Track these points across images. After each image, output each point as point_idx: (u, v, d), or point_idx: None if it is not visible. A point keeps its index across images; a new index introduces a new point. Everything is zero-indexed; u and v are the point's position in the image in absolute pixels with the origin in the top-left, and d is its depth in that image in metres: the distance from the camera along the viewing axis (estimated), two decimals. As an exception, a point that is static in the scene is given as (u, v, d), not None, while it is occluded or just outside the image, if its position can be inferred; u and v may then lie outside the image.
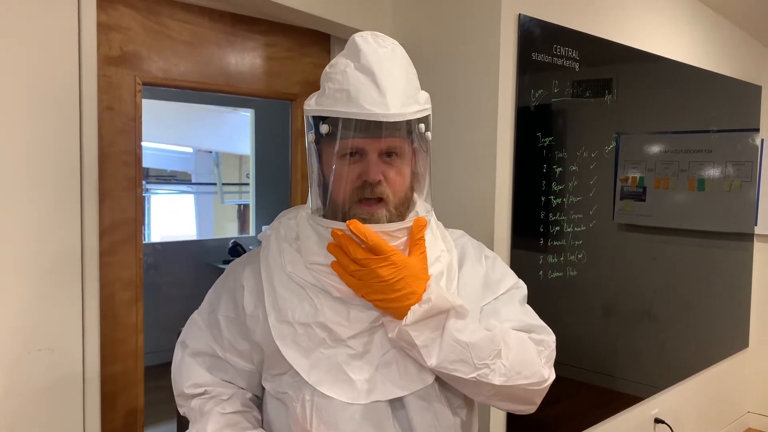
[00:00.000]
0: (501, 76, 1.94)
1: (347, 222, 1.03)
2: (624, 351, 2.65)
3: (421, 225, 1.10)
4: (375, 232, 1.04)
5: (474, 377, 1.07)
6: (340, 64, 1.09)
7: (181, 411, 1.28)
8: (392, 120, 1.04)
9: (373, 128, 1.05)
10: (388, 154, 1.09)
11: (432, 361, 1.06)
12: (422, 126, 1.12)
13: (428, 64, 2.11)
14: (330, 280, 1.11)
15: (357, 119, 1.04)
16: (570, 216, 2.25)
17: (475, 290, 1.22)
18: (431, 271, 1.14)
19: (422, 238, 1.11)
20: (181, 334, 1.30)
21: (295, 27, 2.08)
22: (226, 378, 1.25)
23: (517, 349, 1.12)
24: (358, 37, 1.10)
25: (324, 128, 1.08)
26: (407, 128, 1.10)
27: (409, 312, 1.04)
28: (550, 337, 1.21)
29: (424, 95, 1.14)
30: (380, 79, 1.04)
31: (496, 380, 1.08)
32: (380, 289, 1.04)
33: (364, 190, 1.08)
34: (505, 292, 1.26)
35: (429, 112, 1.14)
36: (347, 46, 1.11)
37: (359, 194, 1.08)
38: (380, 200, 1.09)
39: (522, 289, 1.29)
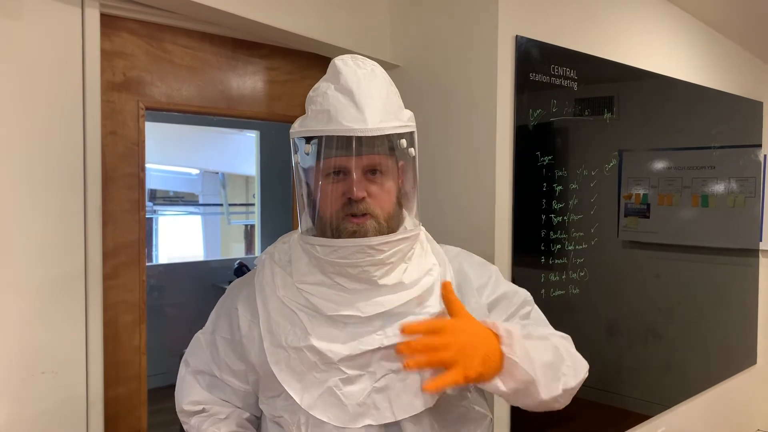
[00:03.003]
0: (499, 96, 1.96)
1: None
2: (630, 369, 2.63)
3: (448, 288, 1.09)
4: (414, 324, 1.03)
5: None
6: (321, 87, 1.13)
7: (185, 427, 1.30)
8: (369, 135, 1.06)
9: (354, 145, 1.07)
10: (372, 172, 1.11)
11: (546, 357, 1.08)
12: (404, 142, 1.14)
13: (427, 85, 2.13)
14: (320, 297, 1.12)
15: (337, 136, 1.07)
16: (571, 234, 2.26)
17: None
18: (422, 284, 1.15)
19: (453, 298, 1.09)
20: (186, 351, 1.34)
21: (295, 51, 2.11)
22: (224, 397, 1.28)
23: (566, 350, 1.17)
24: (338, 60, 1.14)
25: (307, 148, 1.12)
26: (389, 144, 1.12)
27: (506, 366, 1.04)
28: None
29: (408, 113, 1.16)
30: (358, 97, 1.07)
31: (572, 382, 1.13)
32: (460, 361, 1.00)
33: (350, 207, 1.10)
34: (515, 311, 1.26)
35: (412, 129, 1.16)
36: (328, 70, 1.15)
37: (345, 211, 1.10)
38: (367, 215, 1.10)
39: (529, 302, 1.29)
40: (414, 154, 1.17)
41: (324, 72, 2.19)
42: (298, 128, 1.15)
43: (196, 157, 6.27)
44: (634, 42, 2.60)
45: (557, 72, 2.15)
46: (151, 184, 6.48)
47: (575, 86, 2.22)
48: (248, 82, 2.03)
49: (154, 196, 6.95)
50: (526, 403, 1.12)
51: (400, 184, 1.17)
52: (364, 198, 1.09)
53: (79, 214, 1.59)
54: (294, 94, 2.14)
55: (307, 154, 1.12)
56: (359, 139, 1.07)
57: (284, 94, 2.12)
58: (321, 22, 1.98)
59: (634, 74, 2.56)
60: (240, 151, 6.02)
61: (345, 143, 1.07)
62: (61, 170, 1.55)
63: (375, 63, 1.16)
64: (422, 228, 1.23)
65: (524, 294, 1.29)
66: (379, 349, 1.11)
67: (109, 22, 1.69)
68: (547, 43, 2.11)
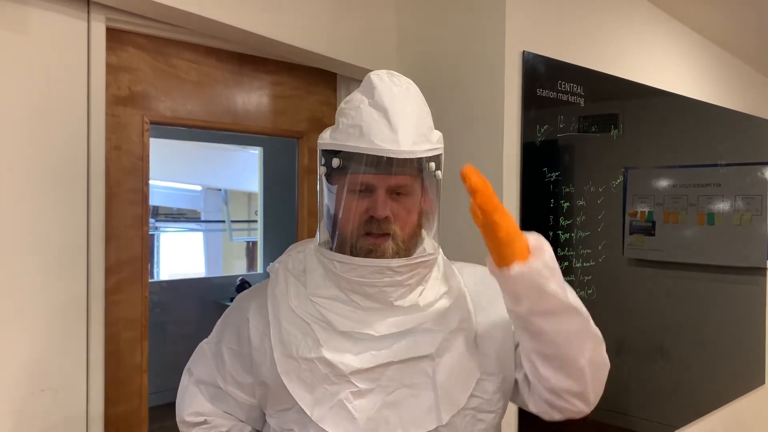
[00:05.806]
0: (506, 112, 1.95)
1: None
2: (638, 389, 2.59)
3: (473, 173, 1.02)
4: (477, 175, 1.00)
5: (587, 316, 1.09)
6: (354, 101, 1.11)
7: None
8: (402, 157, 1.05)
9: (383, 164, 1.06)
10: (397, 191, 1.10)
11: (571, 296, 1.06)
12: (432, 164, 1.13)
13: (433, 100, 2.11)
14: (334, 312, 1.10)
15: (367, 154, 1.05)
16: (578, 251, 2.23)
17: (503, 330, 1.19)
18: (436, 307, 1.14)
19: (479, 189, 1.05)
20: (190, 360, 1.32)
21: (301, 66, 2.11)
22: (227, 409, 1.26)
23: None
24: (374, 75, 1.12)
25: (335, 162, 1.09)
26: (417, 166, 1.11)
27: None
28: None
29: (437, 135, 1.16)
30: (392, 116, 1.05)
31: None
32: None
33: (371, 225, 1.08)
34: None
35: (440, 152, 1.15)
36: (363, 84, 1.13)
37: (366, 228, 1.09)
38: (387, 234, 1.09)
39: None
40: (440, 177, 1.16)
41: (330, 87, 2.23)
42: (327, 140, 1.12)
43: (198, 173, 6.28)
44: (640, 59, 2.59)
45: (564, 88, 2.14)
46: (153, 200, 6.48)
47: (582, 102, 2.21)
48: (254, 97, 2.02)
49: (156, 212, 6.94)
50: (561, 355, 1.12)
51: (423, 205, 1.16)
52: (387, 217, 1.08)
53: (82, 230, 1.57)
54: (300, 109, 2.13)
55: (335, 167, 1.10)
56: (389, 159, 1.05)
57: (290, 109, 2.11)
58: (327, 37, 1.98)
59: (641, 91, 2.56)
60: (243, 168, 6.03)
61: (375, 162, 1.06)
62: (65, 184, 1.54)
63: (410, 81, 1.15)
64: (440, 251, 1.21)
65: None
66: (391, 363, 1.09)
67: (114, 36, 1.69)
68: (554, 58, 2.11)
